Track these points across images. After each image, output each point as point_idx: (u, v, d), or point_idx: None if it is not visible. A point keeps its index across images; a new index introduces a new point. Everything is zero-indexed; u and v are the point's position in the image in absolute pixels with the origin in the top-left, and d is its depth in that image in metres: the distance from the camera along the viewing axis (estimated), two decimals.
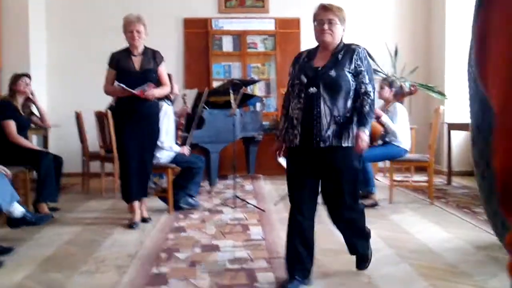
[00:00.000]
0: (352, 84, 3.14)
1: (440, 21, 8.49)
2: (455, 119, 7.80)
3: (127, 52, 4.96)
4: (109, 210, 5.80)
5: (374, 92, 3.19)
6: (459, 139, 8.02)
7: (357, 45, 3.24)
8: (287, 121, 3.27)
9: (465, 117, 7.74)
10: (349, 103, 3.15)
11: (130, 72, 4.85)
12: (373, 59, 8.45)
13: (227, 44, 8.89)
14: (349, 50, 3.20)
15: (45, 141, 7.57)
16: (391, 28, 8.88)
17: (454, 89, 8.17)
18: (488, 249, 4.06)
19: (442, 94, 8.12)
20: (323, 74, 3.13)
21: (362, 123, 3.14)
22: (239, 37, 8.83)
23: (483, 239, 4.37)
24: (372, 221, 5.08)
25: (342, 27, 3.22)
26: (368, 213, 5.38)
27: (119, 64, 4.92)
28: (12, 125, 5.44)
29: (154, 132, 5.13)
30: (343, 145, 3.12)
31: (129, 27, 4.86)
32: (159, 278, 3.49)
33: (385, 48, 8.54)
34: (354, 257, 3.90)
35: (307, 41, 8.61)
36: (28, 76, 5.74)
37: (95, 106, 7.05)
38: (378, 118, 5.70)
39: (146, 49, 5.00)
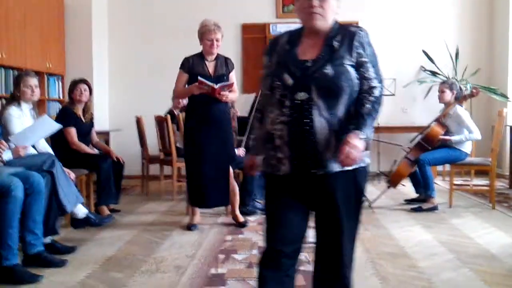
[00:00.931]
0: (357, 82, 2.21)
1: (504, 21, 8.25)
2: None
3: (201, 57, 5.01)
4: (168, 212, 5.91)
5: (381, 89, 2.26)
6: None
7: (358, 27, 2.29)
8: (265, 138, 2.31)
9: None
10: (353, 109, 2.23)
11: (204, 77, 4.85)
12: (432, 61, 8.33)
13: None
14: (347, 34, 2.25)
15: (106, 144, 7.77)
16: (452, 29, 8.68)
17: None
18: None
19: (505, 96, 7.90)
20: (315, 72, 2.17)
21: (357, 124, 2.18)
22: None
23: None
24: (432, 225, 5.01)
25: (336, 2, 2.25)
26: (427, 217, 5.36)
27: (194, 69, 4.94)
28: (72, 132, 5.54)
29: (228, 138, 5.09)
30: (348, 168, 2.18)
31: (209, 35, 4.90)
32: (217, 278, 3.53)
33: (445, 50, 8.38)
34: (414, 261, 3.85)
35: None
36: (84, 82, 5.75)
37: (155, 110, 7.22)
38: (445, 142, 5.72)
39: (218, 55, 5.05)
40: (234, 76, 5.13)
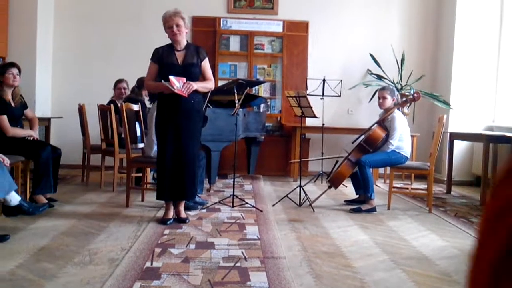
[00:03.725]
0: None
1: (449, 30, 8.46)
2: (458, 128, 7.78)
3: (170, 47, 4.93)
4: (107, 204, 5.80)
5: None
6: (461, 148, 8.00)
7: None
8: None
9: (468, 127, 7.75)
10: None
11: (173, 65, 4.82)
12: (378, 65, 8.47)
13: (234, 44, 8.89)
14: None
15: (46, 132, 7.58)
16: (399, 35, 8.86)
17: (459, 99, 8.16)
18: None
19: (446, 103, 8.10)
20: None
21: None
22: (246, 37, 8.83)
23: None
24: (369, 226, 5.08)
25: None
26: (365, 218, 5.44)
27: (163, 59, 4.88)
28: (4, 120, 5.35)
29: (194, 131, 4.96)
30: None
31: (168, 22, 4.81)
32: (151, 272, 3.48)
33: (392, 55, 8.53)
34: (349, 261, 3.90)
35: (315, 44, 8.63)
36: (15, 65, 5.52)
37: (99, 99, 7.09)
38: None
39: (188, 44, 4.98)
40: (208, 65, 5.03)
